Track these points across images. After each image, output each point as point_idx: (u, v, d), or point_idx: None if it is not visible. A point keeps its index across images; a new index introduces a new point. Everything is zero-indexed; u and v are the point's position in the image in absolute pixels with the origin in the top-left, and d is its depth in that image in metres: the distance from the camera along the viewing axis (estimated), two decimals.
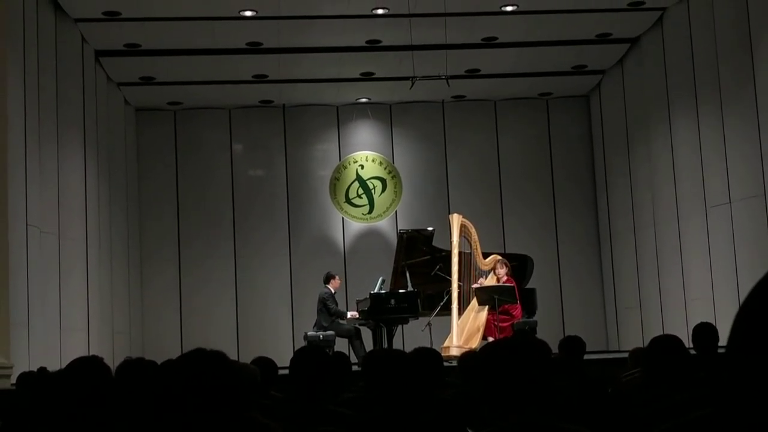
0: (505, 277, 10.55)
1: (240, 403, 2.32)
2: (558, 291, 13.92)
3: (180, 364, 2.26)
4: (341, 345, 10.82)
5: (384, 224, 14.02)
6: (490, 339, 10.19)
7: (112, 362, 6.28)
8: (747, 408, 0.88)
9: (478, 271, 10.81)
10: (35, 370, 5.77)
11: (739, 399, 0.89)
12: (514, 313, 10.42)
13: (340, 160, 14.06)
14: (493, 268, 10.69)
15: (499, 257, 10.82)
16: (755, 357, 0.89)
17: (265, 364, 4.65)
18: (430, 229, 11.22)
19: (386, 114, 14.18)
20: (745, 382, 0.89)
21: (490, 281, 10.64)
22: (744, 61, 9.67)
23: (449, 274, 10.76)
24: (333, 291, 11.18)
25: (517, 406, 2.19)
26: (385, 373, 3.30)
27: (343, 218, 13.97)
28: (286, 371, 3.55)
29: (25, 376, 5.68)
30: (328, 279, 11.24)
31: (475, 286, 10.65)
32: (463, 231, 10.92)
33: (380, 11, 10.90)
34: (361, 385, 4.39)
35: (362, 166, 14.08)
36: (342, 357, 5.01)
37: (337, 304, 11.14)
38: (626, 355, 6.20)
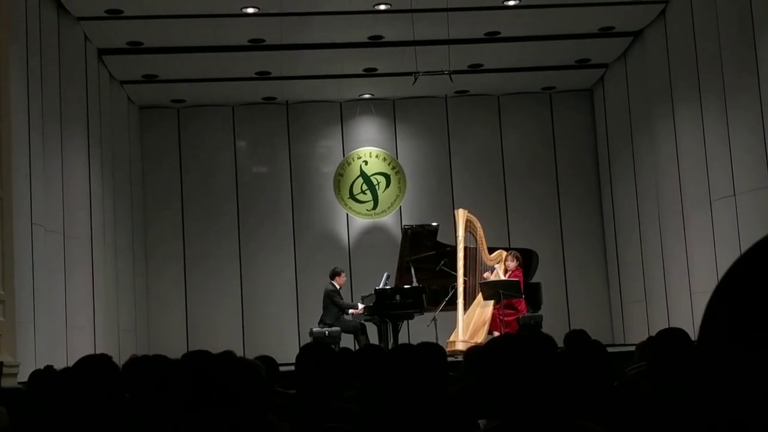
0: (513, 270, 10.53)
1: (249, 402, 2.33)
2: (563, 285, 13.91)
3: (190, 365, 2.27)
4: (347, 341, 10.83)
5: (388, 220, 14.02)
6: (496, 333, 10.19)
7: (119, 359, 6.28)
8: (727, 402, 0.83)
9: (483, 266, 10.81)
10: (42, 368, 5.77)
11: (720, 392, 0.84)
12: (519, 308, 10.41)
13: (343, 156, 14.05)
14: (504, 260, 10.67)
15: (506, 252, 10.81)
16: (731, 346, 0.83)
17: (265, 362, 4.65)
18: (434, 224, 11.23)
19: (389, 110, 14.17)
20: (725, 373, 0.83)
21: (497, 274, 10.62)
22: (747, 52, 9.63)
23: (454, 269, 10.77)
24: (338, 287, 11.21)
25: (523, 401, 2.20)
26: (390, 368, 3.30)
27: (347, 214, 13.96)
28: (290, 367, 3.56)
29: (36, 375, 5.68)
30: (333, 275, 11.27)
31: (486, 274, 10.64)
32: (469, 226, 10.92)
33: (382, 7, 10.90)
34: (366, 380, 4.40)
35: (366, 162, 14.06)
36: (348, 353, 5.02)
37: (342, 299, 11.21)
38: (632, 348, 6.20)
